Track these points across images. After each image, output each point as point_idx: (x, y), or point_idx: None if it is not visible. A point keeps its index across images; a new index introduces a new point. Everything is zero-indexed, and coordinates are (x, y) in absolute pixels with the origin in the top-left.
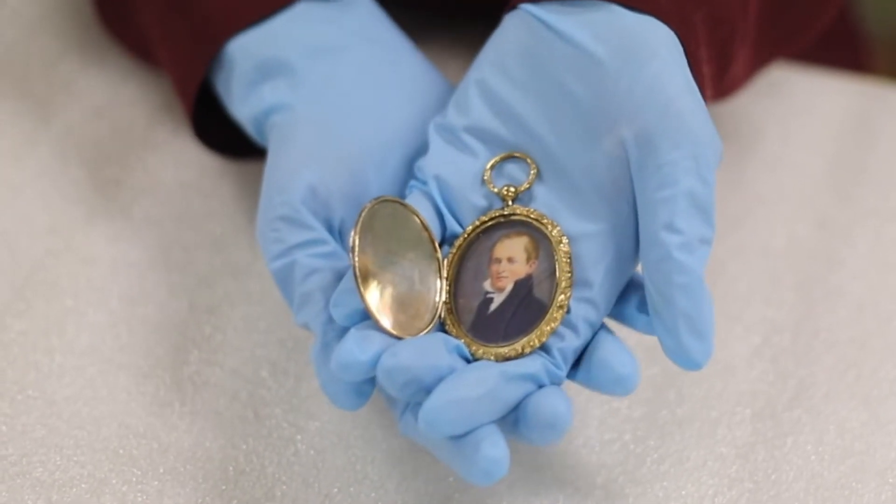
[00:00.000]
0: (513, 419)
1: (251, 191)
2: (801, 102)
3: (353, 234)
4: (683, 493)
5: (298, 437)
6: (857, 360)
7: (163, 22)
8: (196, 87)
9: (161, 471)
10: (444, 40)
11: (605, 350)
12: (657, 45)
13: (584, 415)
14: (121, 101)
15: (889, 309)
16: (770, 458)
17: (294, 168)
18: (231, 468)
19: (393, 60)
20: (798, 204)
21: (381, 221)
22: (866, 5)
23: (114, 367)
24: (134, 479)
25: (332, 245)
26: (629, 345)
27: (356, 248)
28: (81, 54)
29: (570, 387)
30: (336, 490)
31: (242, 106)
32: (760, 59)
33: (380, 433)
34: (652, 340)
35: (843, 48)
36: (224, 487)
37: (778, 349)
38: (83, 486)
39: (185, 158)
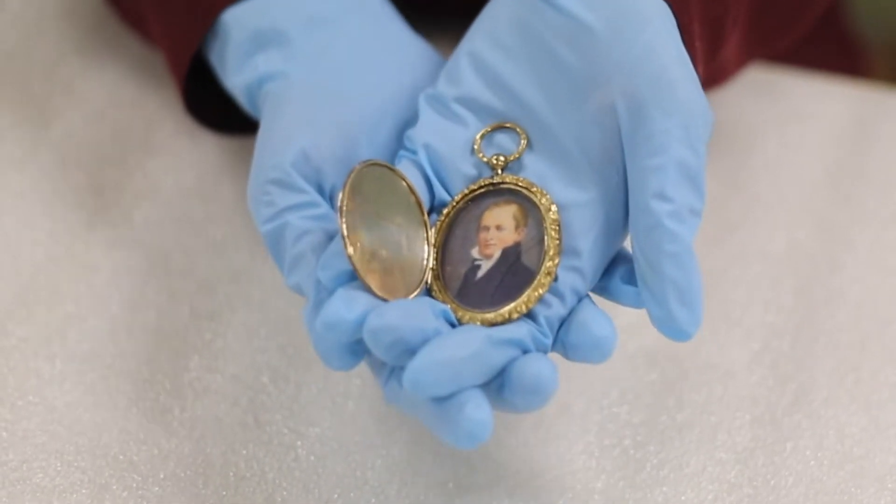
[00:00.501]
0: (497, 385)
1: None
2: (799, 107)
3: (340, 195)
4: (683, 498)
5: (299, 443)
6: (856, 364)
7: None
8: (189, 59)
9: (162, 476)
10: (432, 39)
11: (585, 314)
12: (650, 14)
13: (583, 420)
14: (120, 105)
15: (889, 312)
16: (769, 464)
17: (287, 133)
18: (231, 474)
19: (386, 33)
20: (797, 208)
21: (370, 185)
22: (861, 10)
23: (114, 372)
24: (134, 485)
25: (323, 207)
26: (629, 349)
27: (344, 210)
28: (81, 58)
29: (569, 389)
30: (336, 496)
31: (236, 76)
32: (751, 48)
33: (379, 440)
34: (653, 346)
35: (838, 53)
36: (224, 493)
37: (777, 354)
38: (84, 491)
39: (184, 162)
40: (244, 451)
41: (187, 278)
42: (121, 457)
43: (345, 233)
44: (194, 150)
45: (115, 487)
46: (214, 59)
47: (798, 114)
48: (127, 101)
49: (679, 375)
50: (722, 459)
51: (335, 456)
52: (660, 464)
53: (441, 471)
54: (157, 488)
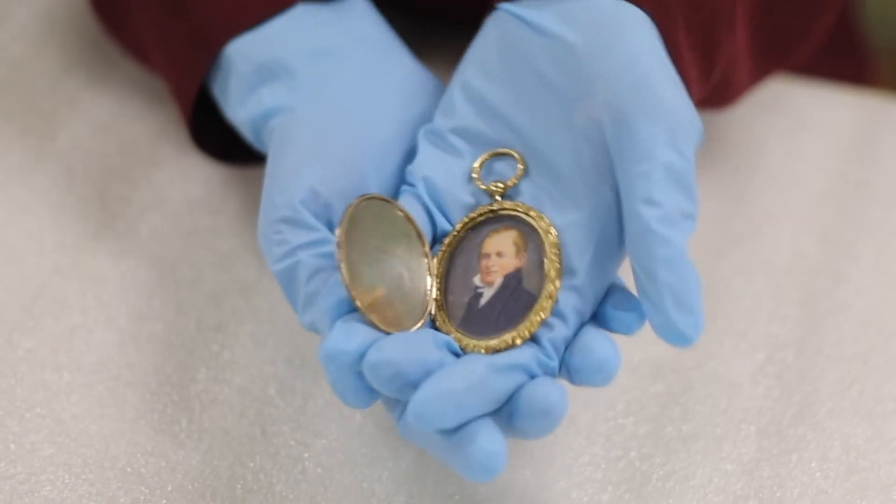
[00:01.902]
0: (507, 413)
1: (258, 207)
2: (804, 117)
3: (338, 230)
4: None
5: (306, 455)
6: (861, 375)
7: (159, 25)
8: (194, 91)
9: (169, 489)
10: (432, 49)
11: (587, 336)
12: (627, 23)
13: (589, 431)
14: (127, 118)
15: (893, 324)
16: (775, 475)
17: (295, 169)
18: (239, 486)
19: (391, 63)
20: (802, 219)
21: (368, 218)
22: (870, 16)
23: (122, 384)
24: (142, 498)
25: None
26: (634, 360)
27: (343, 245)
28: (87, 70)
29: (575, 401)
30: None
31: (240, 109)
32: (762, 69)
33: (386, 452)
34: (658, 357)
35: (847, 60)
36: None
37: (782, 365)
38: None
39: (191, 175)
40: (251, 464)
41: (194, 290)
42: (128, 469)
43: (343, 269)
44: (201, 162)
45: (122, 500)
46: (217, 90)
47: (803, 123)
48: (133, 113)
49: (684, 387)
50: (728, 471)
51: (342, 468)
52: (666, 475)
53: (447, 483)
54: (164, 501)
